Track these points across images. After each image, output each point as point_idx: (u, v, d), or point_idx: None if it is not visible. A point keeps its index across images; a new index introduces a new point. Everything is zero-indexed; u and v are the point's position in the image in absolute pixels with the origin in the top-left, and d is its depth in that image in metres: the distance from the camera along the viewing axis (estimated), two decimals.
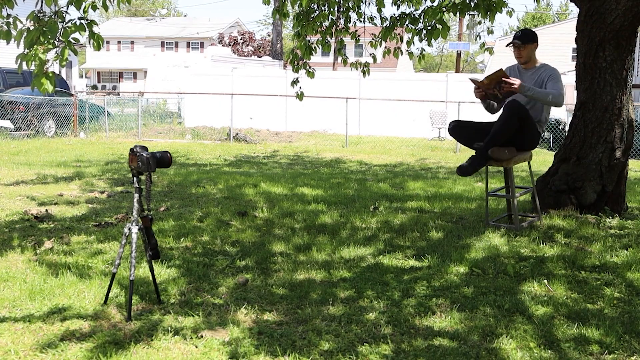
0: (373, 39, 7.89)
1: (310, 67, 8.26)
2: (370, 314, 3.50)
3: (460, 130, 5.50)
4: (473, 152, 5.35)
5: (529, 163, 5.76)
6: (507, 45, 5.49)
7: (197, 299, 3.70)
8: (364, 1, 7.96)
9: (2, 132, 15.40)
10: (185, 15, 68.64)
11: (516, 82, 5.02)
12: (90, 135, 17.09)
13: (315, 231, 5.43)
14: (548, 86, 5.20)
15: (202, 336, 3.16)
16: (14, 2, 4.38)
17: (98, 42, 4.33)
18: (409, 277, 4.17)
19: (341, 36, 8.14)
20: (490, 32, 8.47)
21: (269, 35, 47.68)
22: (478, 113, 16.06)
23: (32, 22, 4.24)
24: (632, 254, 4.60)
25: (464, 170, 5.19)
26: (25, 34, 4.15)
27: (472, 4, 7.14)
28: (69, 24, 4.25)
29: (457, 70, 31.85)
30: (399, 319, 3.42)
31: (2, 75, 18.39)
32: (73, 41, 4.25)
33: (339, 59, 8.35)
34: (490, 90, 5.23)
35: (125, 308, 3.45)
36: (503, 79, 5.06)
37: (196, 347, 3.05)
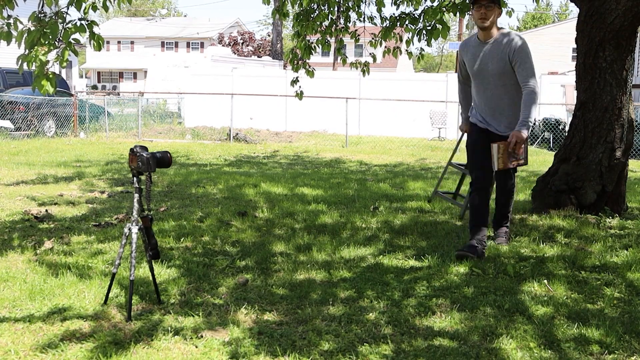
0: (373, 38, 7.89)
1: (309, 67, 8.27)
2: (371, 314, 3.50)
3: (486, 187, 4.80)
4: None
5: None
6: (473, 5, 4.59)
7: (197, 299, 3.70)
8: (364, 1, 7.97)
9: (2, 132, 15.40)
10: (185, 15, 68.66)
11: (520, 137, 4.45)
12: (90, 135, 17.09)
13: (316, 231, 5.43)
14: (520, 75, 4.52)
15: (202, 336, 3.16)
16: (14, 3, 4.38)
17: (98, 42, 4.34)
18: (409, 277, 4.17)
19: (341, 36, 8.15)
20: None
21: (269, 35, 47.69)
22: None
23: (32, 22, 4.25)
24: (632, 254, 4.60)
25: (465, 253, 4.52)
26: (26, 34, 4.16)
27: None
28: (69, 25, 4.26)
29: (457, 71, 31.84)
30: (399, 319, 3.42)
31: (2, 75, 18.39)
32: (73, 42, 4.26)
33: (339, 58, 8.35)
34: (509, 165, 4.59)
35: (125, 308, 3.45)
36: (509, 149, 4.50)
37: (196, 347, 3.06)
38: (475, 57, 4.66)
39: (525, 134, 4.48)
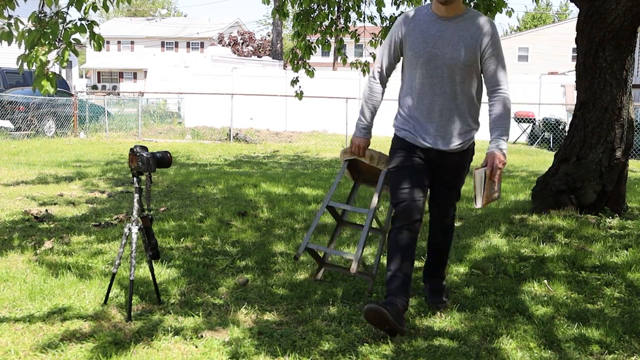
0: (373, 38, 7.90)
1: (310, 67, 8.28)
2: None
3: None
4: None
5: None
6: None
7: (197, 299, 3.70)
8: (364, 1, 7.98)
9: (2, 132, 15.40)
10: (185, 15, 68.67)
11: (504, 160, 3.25)
12: (90, 135, 17.09)
13: (316, 231, 5.42)
14: (491, 72, 3.32)
15: (202, 336, 3.16)
16: (15, 3, 4.38)
17: (99, 42, 4.34)
18: None
19: (341, 36, 8.15)
20: None
21: (269, 35, 47.70)
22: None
23: (33, 22, 4.25)
24: (632, 254, 4.61)
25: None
26: (26, 34, 4.16)
27: (472, 4, 7.14)
28: (70, 25, 4.26)
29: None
30: None
31: (2, 75, 18.39)
32: (74, 42, 4.26)
33: (339, 58, 8.36)
34: (491, 199, 3.31)
35: (125, 308, 3.45)
36: (493, 178, 3.24)
37: (196, 347, 3.05)
38: (427, 38, 3.30)
39: (504, 157, 3.26)
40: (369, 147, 3.68)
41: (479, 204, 3.25)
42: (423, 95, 3.35)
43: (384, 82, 3.55)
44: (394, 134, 3.47)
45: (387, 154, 3.60)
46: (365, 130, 3.60)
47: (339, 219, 4.26)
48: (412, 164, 3.38)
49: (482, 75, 3.38)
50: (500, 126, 3.30)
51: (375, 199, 3.75)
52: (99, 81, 49.81)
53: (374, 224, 4.44)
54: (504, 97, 3.33)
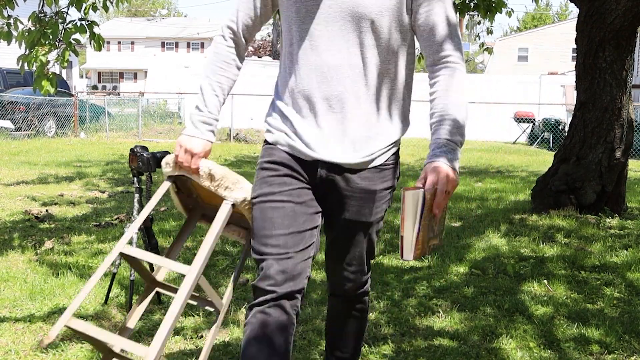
0: None
1: None
2: (370, 314, 3.50)
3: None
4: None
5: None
6: None
7: None
8: None
9: (3, 132, 15.40)
10: (185, 16, 68.69)
11: (453, 179, 1.79)
12: (90, 135, 17.10)
13: None
14: (428, 22, 1.85)
15: (202, 336, 3.16)
16: (14, 3, 4.39)
17: (99, 42, 4.35)
18: (409, 277, 4.17)
19: None
20: (489, 32, 8.50)
21: (269, 36, 47.73)
22: (478, 113, 15.99)
23: (33, 23, 4.26)
24: (632, 254, 4.61)
25: None
26: (26, 34, 4.17)
27: (472, 4, 7.15)
28: (70, 25, 4.27)
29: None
30: (399, 319, 3.42)
31: (3, 75, 18.40)
32: (74, 42, 4.27)
33: None
34: (427, 248, 1.91)
35: (125, 308, 3.45)
36: (433, 212, 1.91)
37: (196, 347, 3.06)
38: None
39: (455, 177, 1.80)
40: (209, 159, 2.04)
41: (408, 255, 1.87)
42: (309, 69, 1.90)
43: (239, 45, 2.09)
44: (264, 139, 2.03)
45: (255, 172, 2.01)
46: (205, 126, 2.00)
47: (146, 275, 2.40)
48: (287, 191, 1.92)
49: (415, 35, 1.94)
50: (447, 120, 1.83)
51: (199, 260, 1.98)
52: (99, 81, 49.83)
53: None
54: (454, 70, 1.88)
